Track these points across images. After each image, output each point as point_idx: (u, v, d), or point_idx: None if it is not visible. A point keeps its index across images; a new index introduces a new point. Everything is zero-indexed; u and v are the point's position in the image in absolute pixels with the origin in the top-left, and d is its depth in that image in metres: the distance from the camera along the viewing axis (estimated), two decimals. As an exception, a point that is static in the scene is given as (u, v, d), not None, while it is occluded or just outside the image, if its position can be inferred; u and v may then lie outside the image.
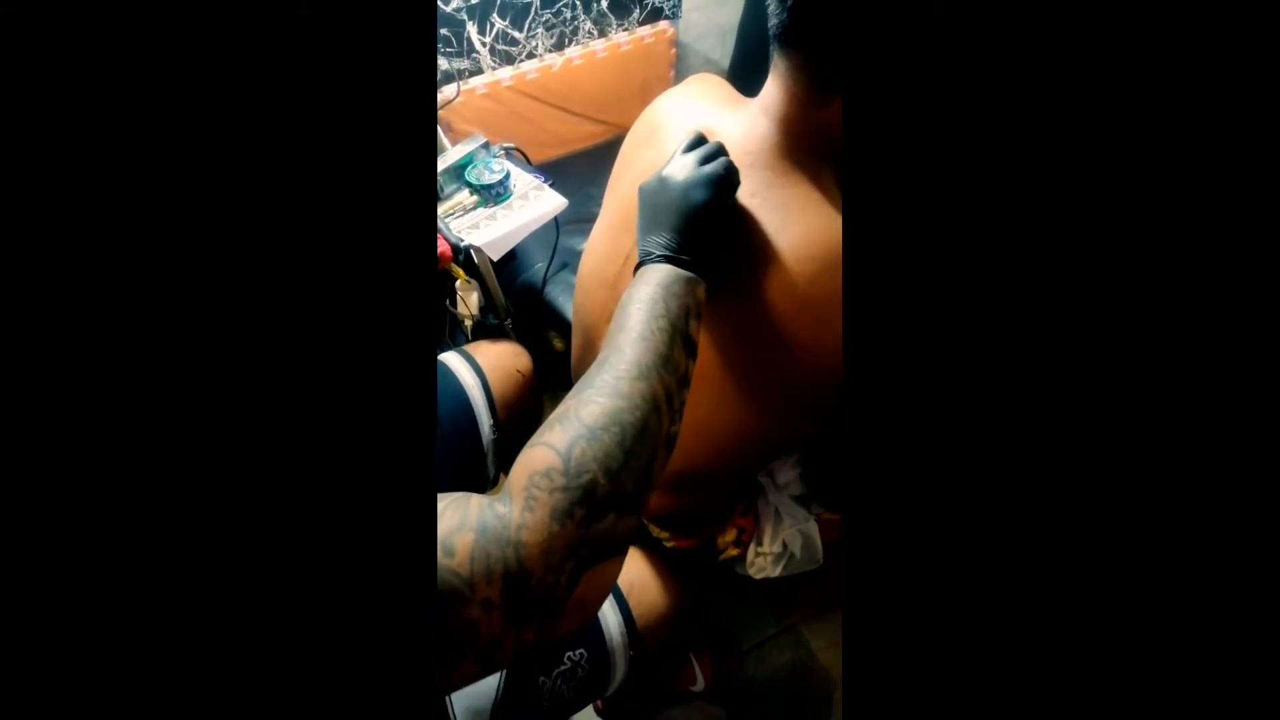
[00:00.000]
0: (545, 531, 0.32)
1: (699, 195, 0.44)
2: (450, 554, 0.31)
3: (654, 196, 0.46)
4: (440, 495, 0.34)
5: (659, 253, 0.44)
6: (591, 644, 0.63)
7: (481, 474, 0.79)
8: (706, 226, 0.44)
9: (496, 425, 0.77)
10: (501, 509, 0.33)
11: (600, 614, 0.64)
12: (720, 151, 0.47)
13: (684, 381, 0.40)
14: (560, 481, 0.33)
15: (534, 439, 0.36)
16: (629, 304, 0.42)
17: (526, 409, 0.83)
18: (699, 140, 0.48)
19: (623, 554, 0.36)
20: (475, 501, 0.34)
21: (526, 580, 0.32)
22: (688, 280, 0.42)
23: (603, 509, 0.34)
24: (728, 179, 0.45)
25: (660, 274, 0.42)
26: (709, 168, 0.45)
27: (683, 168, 0.46)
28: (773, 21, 0.42)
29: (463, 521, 0.33)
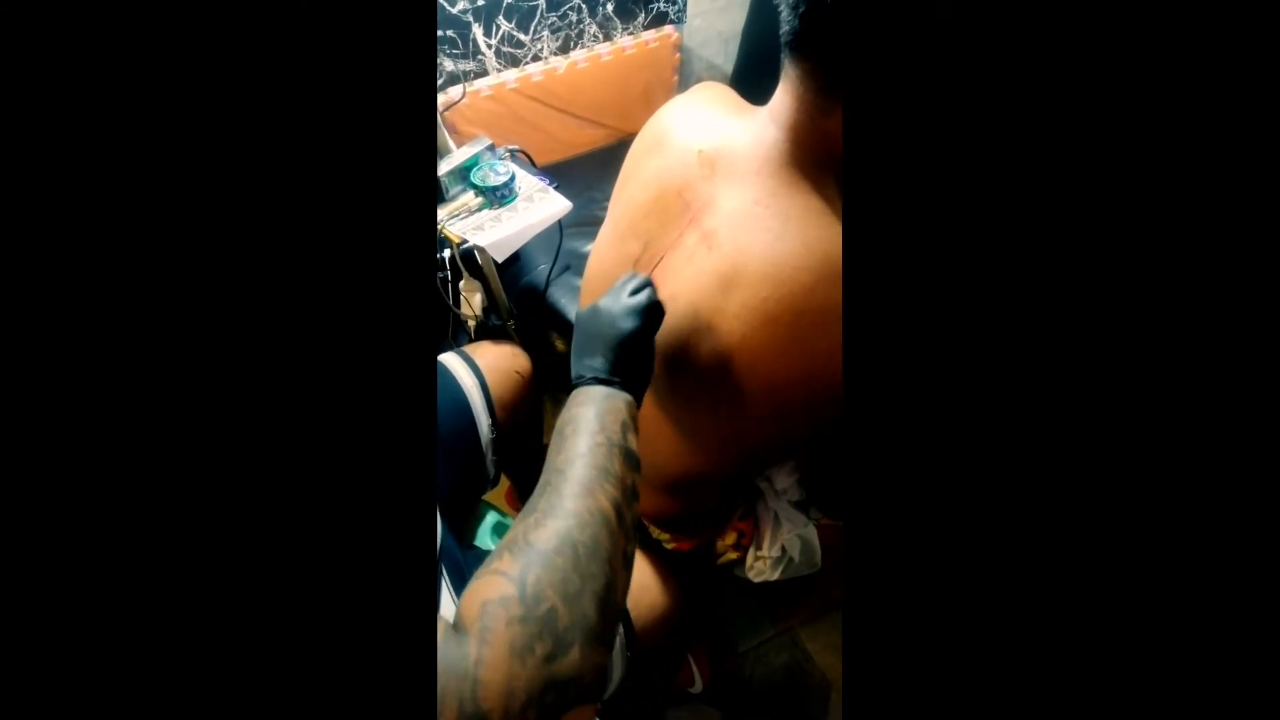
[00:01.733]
0: (504, 670, 0.29)
1: (627, 325, 0.47)
2: None
3: (588, 325, 0.49)
4: None
5: (590, 375, 0.46)
6: None
7: (481, 474, 0.79)
8: (634, 352, 0.47)
9: (495, 425, 0.77)
10: (461, 641, 0.30)
11: None
12: (648, 284, 0.50)
13: (631, 495, 0.40)
14: (517, 611, 0.31)
15: (482, 569, 0.34)
16: (565, 425, 0.42)
17: (525, 410, 0.83)
18: (631, 275, 0.51)
19: (593, 701, 0.33)
20: (441, 625, 0.32)
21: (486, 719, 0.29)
22: (622, 399, 0.44)
23: (566, 642, 0.31)
24: (653, 309, 0.48)
25: (595, 395, 0.44)
26: (637, 299, 0.48)
27: (614, 300, 0.49)
28: (784, 28, 0.42)
29: None
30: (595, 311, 0.49)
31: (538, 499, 0.37)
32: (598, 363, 0.47)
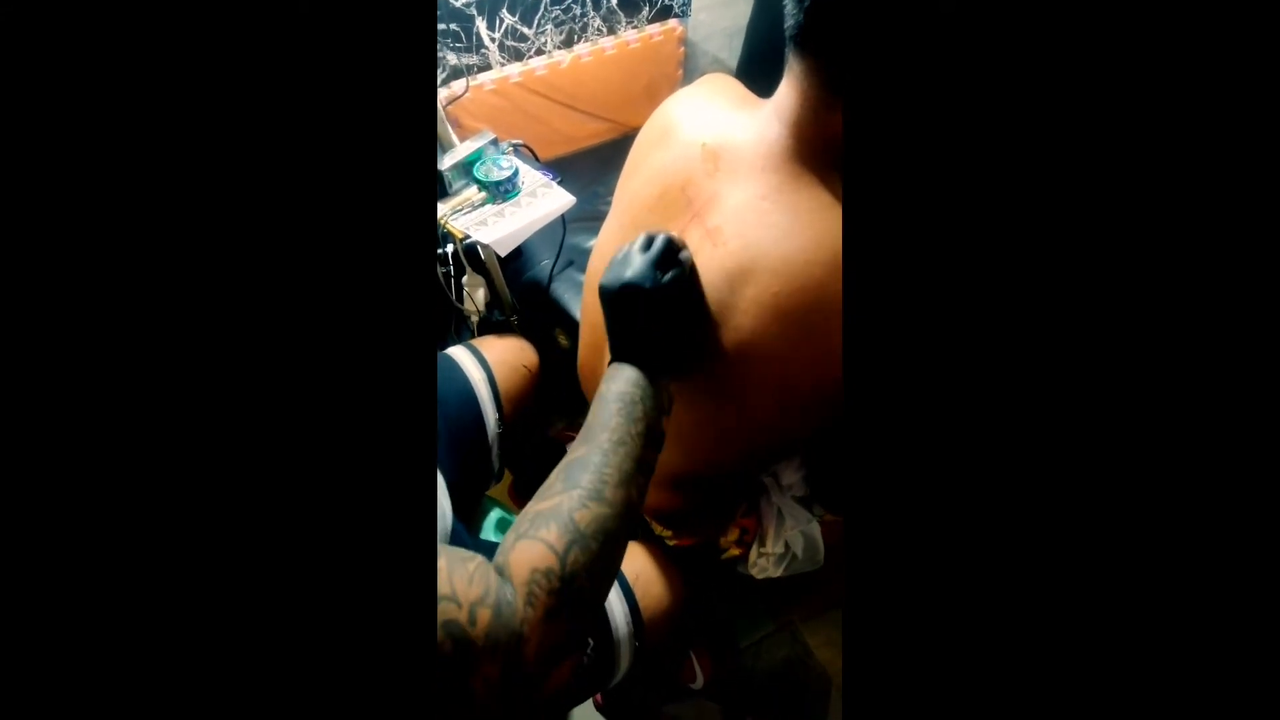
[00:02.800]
0: (541, 628, 0.37)
1: (662, 303, 0.47)
2: (473, 623, 0.35)
3: (618, 300, 0.49)
4: (467, 555, 0.38)
5: (624, 356, 0.49)
6: (598, 634, 0.64)
7: (486, 467, 0.80)
8: (672, 331, 0.49)
9: (502, 419, 0.78)
10: (510, 595, 0.37)
11: (607, 605, 0.65)
12: (674, 248, 0.49)
13: (650, 473, 0.46)
14: (557, 585, 0.38)
15: (529, 530, 0.40)
16: (608, 400, 0.46)
17: (531, 405, 0.83)
18: (649, 241, 0.50)
19: (580, 651, 0.41)
20: (494, 577, 0.38)
21: (523, 668, 0.36)
22: (660, 383, 0.48)
23: (585, 611, 0.40)
24: (687, 278, 0.49)
25: (636, 374, 0.47)
26: (670, 274, 0.48)
27: (642, 275, 0.48)
28: (789, 22, 0.42)
29: (485, 594, 0.36)
30: (626, 288, 0.48)
31: (580, 473, 0.42)
32: (635, 342, 0.49)
